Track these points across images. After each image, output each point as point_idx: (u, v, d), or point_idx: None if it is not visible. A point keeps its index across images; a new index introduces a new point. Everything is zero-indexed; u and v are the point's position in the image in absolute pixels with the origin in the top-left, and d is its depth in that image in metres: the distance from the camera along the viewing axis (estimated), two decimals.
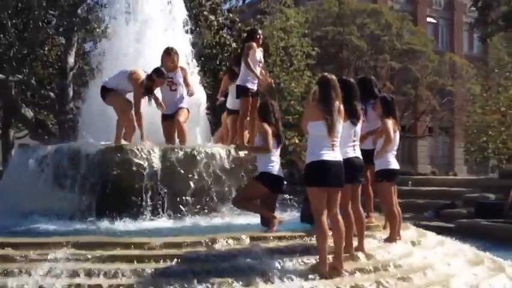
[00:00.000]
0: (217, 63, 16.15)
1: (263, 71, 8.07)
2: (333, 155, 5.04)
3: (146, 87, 7.33)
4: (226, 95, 8.58)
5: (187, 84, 7.90)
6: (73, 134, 10.94)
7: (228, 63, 8.78)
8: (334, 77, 5.19)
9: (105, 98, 7.46)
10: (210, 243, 5.24)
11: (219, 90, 8.82)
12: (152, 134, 8.26)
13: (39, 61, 18.04)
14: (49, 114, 22.96)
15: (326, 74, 5.32)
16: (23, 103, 16.27)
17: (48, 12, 14.98)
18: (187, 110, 7.91)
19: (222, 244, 5.27)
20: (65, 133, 14.59)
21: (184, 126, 7.73)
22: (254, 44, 7.74)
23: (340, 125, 5.13)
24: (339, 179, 5.08)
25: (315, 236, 5.27)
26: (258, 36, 8.02)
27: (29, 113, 16.06)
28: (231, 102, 8.33)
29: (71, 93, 16.07)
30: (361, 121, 5.66)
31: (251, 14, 21.62)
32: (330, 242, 5.14)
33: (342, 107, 5.14)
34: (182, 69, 7.95)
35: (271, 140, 6.07)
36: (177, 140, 7.78)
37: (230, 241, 5.32)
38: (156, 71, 7.40)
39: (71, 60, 15.85)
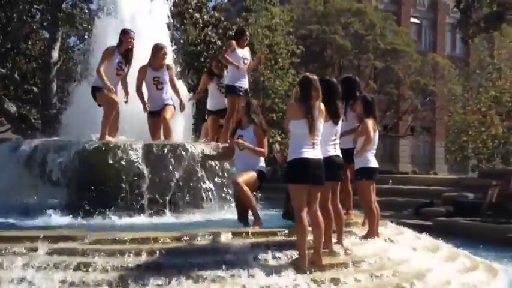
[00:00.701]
0: (202, 60, 16.20)
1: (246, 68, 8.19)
2: (314, 153, 5.18)
3: (122, 54, 7.42)
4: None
5: (173, 85, 7.97)
6: (57, 129, 10.92)
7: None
8: (315, 77, 5.32)
9: (96, 98, 7.50)
10: (191, 238, 5.35)
11: (198, 89, 8.93)
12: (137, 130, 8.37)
13: (22, 55, 17.91)
14: (31, 109, 22.85)
15: (308, 74, 5.47)
16: (5, 98, 16.15)
17: (32, 7, 14.87)
18: (174, 107, 7.99)
19: (204, 239, 5.37)
20: (48, 128, 14.53)
21: (170, 123, 7.81)
22: (233, 42, 8.06)
23: (321, 124, 5.26)
24: (319, 176, 5.21)
25: (295, 232, 5.40)
26: (244, 37, 8.21)
27: (12, 108, 15.97)
28: (210, 103, 8.51)
29: (55, 88, 15.99)
30: (340, 120, 5.81)
31: (236, 12, 21.69)
32: (310, 237, 5.28)
33: (322, 106, 5.28)
34: (169, 68, 8.00)
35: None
36: (162, 137, 7.85)
37: (212, 236, 5.42)
38: (121, 32, 7.53)
39: (54, 54, 15.77)
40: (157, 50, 7.79)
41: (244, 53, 8.22)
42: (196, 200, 7.51)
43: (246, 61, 8.20)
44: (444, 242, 7.78)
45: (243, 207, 6.41)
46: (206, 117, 8.73)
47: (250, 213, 6.33)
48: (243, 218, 6.43)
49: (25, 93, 17.82)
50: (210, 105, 8.54)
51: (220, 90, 8.39)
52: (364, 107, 6.44)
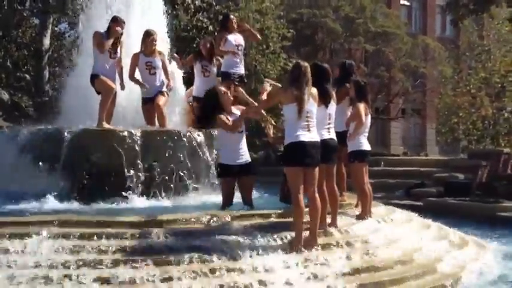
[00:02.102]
0: (194, 46, 16.23)
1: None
2: (310, 135, 5.36)
3: (110, 37, 7.50)
4: None
5: (165, 70, 8.05)
6: (50, 116, 10.97)
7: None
8: (306, 63, 5.49)
9: (94, 85, 7.61)
10: (192, 220, 5.50)
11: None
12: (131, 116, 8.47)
13: (13, 43, 17.85)
14: (23, 97, 22.78)
15: (299, 61, 5.66)
16: None
17: None
18: (167, 93, 8.08)
19: (204, 221, 5.53)
20: (41, 115, 14.56)
21: (164, 109, 7.90)
22: (223, 33, 8.20)
23: (314, 107, 5.43)
24: (315, 158, 5.39)
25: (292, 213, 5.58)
26: (229, 21, 8.31)
27: (5, 96, 15.96)
28: (195, 89, 8.49)
29: (47, 75, 15.97)
30: (334, 103, 5.97)
31: None
32: (306, 218, 5.46)
33: (315, 90, 5.45)
34: (161, 53, 8.08)
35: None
36: (157, 123, 7.96)
37: (211, 218, 5.58)
38: (111, 19, 7.64)
39: (46, 42, 15.74)
40: (147, 36, 7.88)
41: (237, 38, 8.29)
42: (192, 183, 7.65)
43: (240, 47, 8.27)
44: (434, 222, 7.99)
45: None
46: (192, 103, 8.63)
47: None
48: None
49: (17, 80, 17.78)
50: (194, 90, 8.54)
51: (203, 73, 8.37)
52: (356, 91, 6.60)
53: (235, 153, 6.30)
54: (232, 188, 6.41)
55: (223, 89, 6.55)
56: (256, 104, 6.54)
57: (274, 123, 7.25)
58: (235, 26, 8.34)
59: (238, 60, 8.25)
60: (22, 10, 15.60)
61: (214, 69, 8.48)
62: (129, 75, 7.92)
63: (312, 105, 5.40)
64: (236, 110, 6.46)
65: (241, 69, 8.34)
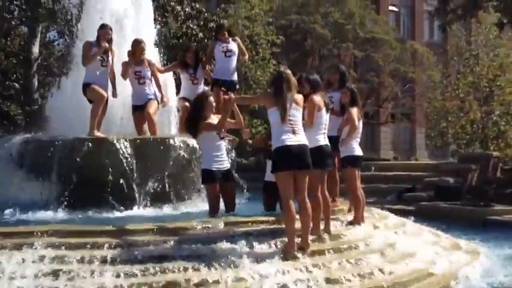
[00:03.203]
0: (182, 54, 16.24)
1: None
2: (296, 139, 5.40)
3: (99, 45, 7.55)
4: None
5: (156, 80, 8.04)
6: (40, 124, 10.91)
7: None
8: (288, 71, 5.67)
9: (86, 94, 7.59)
10: (185, 228, 5.49)
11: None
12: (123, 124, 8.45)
13: (2, 51, 17.75)
14: (11, 105, 22.64)
15: (281, 69, 5.87)
16: None
17: (12, 3, 14.73)
18: (157, 101, 8.06)
19: (198, 229, 5.52)
20: (31, 124, 14.47)
21: (153, 117, 7.87)
22: (212, 42, 8.38)
23: (298, 111, 5.50)
24: (304, 161, 5.41)
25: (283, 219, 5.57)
26: (222, 31, 8.40)
27: None
28: (184, 93, 8.40)
29: (36, 84, 15.89)
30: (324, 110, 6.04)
31: (216, 3, 21.68)
32: (298, 224, 5.47)
33: (299, 96, 5.59)
34: (150, 63, 8.07)
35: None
36: (147, 131, 7.93)
37: (206, 226, 5.57)
38: (99, 26, 7.70)
39: (35, 50, 15.67)
40: (135, 45, 7.88)
41: (227, 45, 8.30)
42: (184, 192, 7.65)
43: (228, 53, 8.27)
44: (427, 226, 8.02)
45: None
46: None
47: None
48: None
49: (6, 89, 17.68)
50: (182, 92, 8.45)
51: (192, 81, 8.32)
52: (351, 97, 6.68)
53: (216, 159, 6.34)
54: (218, 193, 6.42)
55: (209, 94, 6.58)
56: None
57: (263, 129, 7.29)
58: (226, 35, 8.35)
59: (226, 66, 8.24)
60: (11, 18, 15.50)
61: (202, 76, 8.44)
62: (121, 74, 7.90)
63: (295, 110, 5.48)
64: (216, 119, 6.45)
65: (229, 76, 8.30)
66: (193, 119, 6.37)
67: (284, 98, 5.41)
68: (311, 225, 5.59)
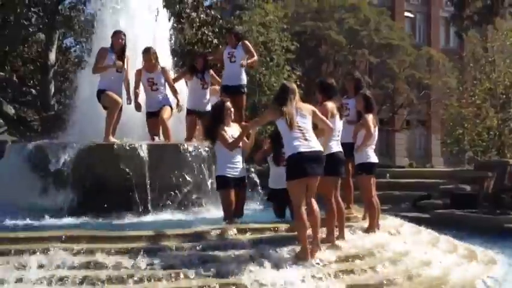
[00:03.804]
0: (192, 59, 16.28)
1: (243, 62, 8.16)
2: (308, 145, 5.40)
3: (116, 52, 7.64)
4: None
5: (170, 86, 8.05)
6: (56, 130, 11.00)
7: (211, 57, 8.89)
8: (293, 85, 5.78)
9: (100, 100, 7.64)
10: (200, 234, 5.49)
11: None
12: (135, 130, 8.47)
13: (19, 58, 17.98)
14: (28, 111, 22.89)
15: (285, 82, 6.06)
16: (4, 100, 16.20)
17: (29, 10, 14.92)
18: (171, 107, 8.07)
19: (211, 235, 5.51)
20: (47, 129, 14.61)
21: (167, 123, 7.88)
22: (223, 48, 8.43)
23: (306, 119, 5.51)
24: (317, 168, 5.41)
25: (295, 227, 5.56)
26: (228, 35, 8.52)
27: (11, 110, 16.04)
28: (189, 101, 8.32)
29: (53, 90, 16.06)
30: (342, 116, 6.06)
31: (231, 10, 21.77)
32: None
33: (307, 106, 5.66)
34: (163, 69, 8.09)
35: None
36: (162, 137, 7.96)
37: (218, 232, 5.57)
38: (112, 34, 7.79)
39: (52, 56, 15.83)
40: (145, 53, 7.92)
41: (234, 51, 8.24)
42: (198, 197, 7.65)
43: (233, 59, 8.23)
44: (442, 234, 7.93)
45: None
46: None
47: None
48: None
49: (23, 95, 17.89)
50: (188, 103, 8.36)
51: (202, 85, 8.26)
52: (365, 104, 6.64)
53: (231, 165, 6.37)
54: (232, 199, 6.44)
55: (229, 104, 6.61)
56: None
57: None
58: (233, 39, 8.32)
59: (231, 72, 8.24)
60: (28, 25, 15.69)
61: (210, 80, 8.38)
62: (133, 90, 7.96)
63: (303, 117, 5.51)
64: (234, 126, 6.53)
65: (234, 81, 8.27)
66: (211, 126, 6.41)
67: (288, 105, 5.47)
68: (319, 228, 5.57)
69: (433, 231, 8.01)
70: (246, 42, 8.53)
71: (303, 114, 5.53)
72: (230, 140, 6.29)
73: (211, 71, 8.46)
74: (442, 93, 29.44)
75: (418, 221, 8.76)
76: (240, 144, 6.38)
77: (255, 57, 8.50)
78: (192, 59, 8.55)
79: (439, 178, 15.61)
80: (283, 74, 21.14)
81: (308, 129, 5.49)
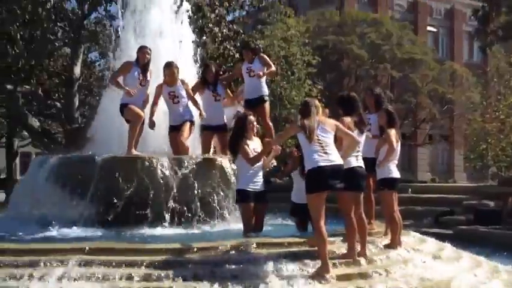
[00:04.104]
0: (221, 73, 16.40)
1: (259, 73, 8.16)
2: (328, 158, 5.40)
3: (141, 67, 7.74)
4: None
5: (191, 97, 8.09)
6: (80, 143, 11.13)
7: (230, 73, 8.90)
8: (315, 101, 5.84)
9: (123, 114, 7.76)
10: (221, 248, 5.50)
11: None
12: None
13: (45, 71, 18.34)
14: (52, 124, 23.27)
15: (308, 98, 6.16)
16: (29, 113, 16.52)
17: (56, 25, 15.25)
18: (192, 122, 8.14)
19: (233, 249, 5.53)
20: (71, 142, 14.82)
21: (185, 143, 7.85)
22: (240, 63, 8.39)
23: (327, 133, 5.52)
24: (338, 181, 5.41)
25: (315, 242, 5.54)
26: (244, 51, 8.53)
27: (35, 123, 16.32)
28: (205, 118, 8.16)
29: (77, 103, 16.33)
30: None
31: (252, 25, 21.92)
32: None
33: (330, 121, 5.70)
34: (183, 82, 8.16)
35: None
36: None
37: (238, 246, 5.58)
38: (137, 49, 7.90)
39: (77, 70, 16.11)
40: (166, 67, 7.99)
41: (251, 65, 8.27)
42: (218, 211, 7.66)
43: (252, 73, 8.29)
44: (465, 251, 7.82)
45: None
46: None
47: None
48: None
49: (48, 108, 18.21)
50: (203, 119, 8.24)
51: (215, 97, 8.25)
52: (387, 119, 6.62)
53: (252, 179, 6.41)
54: (252, 213, 6.48)
55: (252, 118, 6.67)
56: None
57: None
58: (249, 54, 8.37)
59: (252, 85, 8.25)
60: (54, 40, 16.02)
61: (223, 93, 8.39)
62: (152, 104, 8.02)
63: (324, 132, 5.51)
64: (256, 140, 6.58)
65: (255, 94, 8.26)
66: (234, 140, 6.46)
67: (309, 119, 5.51)
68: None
69: (456, 248, 7.89)
70: (262, 55, 8.61)
71: (325, 129, 5.54)
72: (252, 155, 6.32)
73: (238, 91, 8.51)
74: (466, 108, 29.18)
75: (441, 237, 8.64)
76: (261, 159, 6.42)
77: (273, 68, 8.55)
78: (204, 71, 8.53)
79: (462, 193, 15.41)
80: (304, 88, 21.18)
81: (329, 144, 5.50)
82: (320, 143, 5.44)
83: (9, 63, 15.83)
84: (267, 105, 8.40)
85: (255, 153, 6.40)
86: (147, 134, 8.21)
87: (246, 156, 6.34)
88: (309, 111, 5.58)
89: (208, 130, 8.27)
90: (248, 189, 6.39)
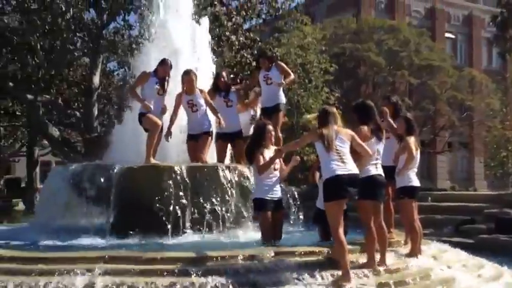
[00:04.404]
0: (238, 81, 16.47)
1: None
2: (345, 167, 5.41)
3: (159, 79, 7.78)
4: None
5: (209, 105, 8.10)
6: (99, 151, 11.22)
7: (248, 81, 8.86)
8: (333, 109, 5.84)
9: (141, 123, 7.81)
10: (239, 257, 5.49)
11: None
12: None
13: (65, 81, 18.57)
14: (72, 133, 23.51)
15: (326, 106, 6.13)
16: (49, 122, 16.72)
17: (75, 35, 15.45)
18: (210, 133, 8.13)
19: (252, 257, 5.51)
20: (90, 151, 14.96)
21: (204, 158, 7.89)
22: (257, 72, 8.42)
23: (344, 143, 5.53)
24: (354, 190, 5.42)
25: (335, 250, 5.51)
26: (263, 60, 8.46)
27: (56, 132, 16.50)
28: (216, 124, 8.13)
29: (96, 112, 16.49)
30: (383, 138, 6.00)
31: (269, 33, 21.97)
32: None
33: (345, 130, 5.67)
34: (202, 91, 8.18)
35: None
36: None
37: (259, 255, 5.56)
38: (160, 61, 7.90)
39: (96, 80, 16.28)
40: (185, 75, 8.03)
41: (268, 73, 8.28)
42: (236, 219, 7.66)
43: (269, 81, 8.27)
44: (487, 260, 7.70)
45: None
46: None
47: None
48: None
49: (67, 117, 18.42)
50: (215, 125, 8.25)
51: (226, 103, 8.26)
52: (406, 126, 6.56)
53: (269, 188, 6.44)
54: (270, 221, 6.47)
55: (270, 127, 6.69)
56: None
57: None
58: (265, 62, 8.36)
59: (268, 93, 8.24)
60: (74, 50, 16.23)
61: (236, 99, 8.38)
62: (172, 114, 8.06)
63: (341, 141, 5.52)
64: (273, 148, 6.61)
65: (271, 102, 8.26)
66: (251, 148, 6.49)
67: (327, 128, 5.52)
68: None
69: (477, 257, 7.78)
70: (279, 62, 8.62)
71: (342, 138, 5.56)
72: (262, 163, 6.34)
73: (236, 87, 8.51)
74: (485, 115, 28.87)
75: (462, 246, 8.52)
76: (277, 167, 6.40)
77: (292, 76, 8.58)
78: (215, 78, 8.55)
79: (482, 202, 15.17)
80: (321, 96, 21.14)
81: (345, 153, 5.51)
82: (338, 153, 5.45)
83: (29, 73, 16.06)
84: (281, 114, 8.37)
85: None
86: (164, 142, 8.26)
87: (257, 163, 6.37)
88: (327, 120, 5.59)
89: (222, 137, 8.27)
90: (266, 198, 6.39)
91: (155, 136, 7.72)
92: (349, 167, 5.43)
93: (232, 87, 8.55)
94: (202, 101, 8.05)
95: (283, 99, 8.44)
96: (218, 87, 8.35)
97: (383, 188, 5.93)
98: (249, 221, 7.58)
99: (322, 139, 5.49)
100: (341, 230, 5.34)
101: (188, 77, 7.99)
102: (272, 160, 6.38)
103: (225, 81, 8.36)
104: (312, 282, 5.25)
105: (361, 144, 5.68)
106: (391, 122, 6.89)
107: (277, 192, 6.52)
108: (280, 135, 8.28)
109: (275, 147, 6.73)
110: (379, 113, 6.94)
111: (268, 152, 6.51)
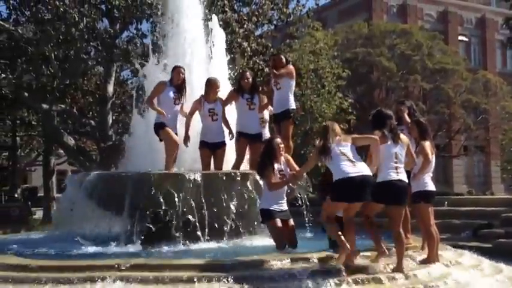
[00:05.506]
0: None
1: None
2: (356, 169, 5.54)
3: (174, 87, 7.83)
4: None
5: (223, 116, 8.09)
6: (114, 160, 11.27)
7: (261, 88, 8.73)
8: (334, 124, 6.06)
9: (158, 134, 7.82)
10: (256, 263, 5.49)
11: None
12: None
13: (79, 90, 18.70)
14: (87, 141, 23.67)
15: (326, 123, 6.35)
16: (65, 131, 16.84)
17: (89, 44, 15.57)
18: (225, 144, 8.10)
19: (269, 265, 5.50)
20: (105, 159, 15.04)
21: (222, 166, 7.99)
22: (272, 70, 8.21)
23: (344, 146, 5.71)
24: (365, 194, 5.55)
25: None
26: (271, 63, 8.50)
27: (71, 141, 16.61)
28: (238, 123, 8.16)
29: (110, 121, 16.57)
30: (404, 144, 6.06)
31: (281, 39, 21.97)
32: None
33: (343, 136, 5.91)
34: (221, 99, 8.11)
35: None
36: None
37: (274, 262, 5.54)
38: (172, 68, 7.96)
39: (110, 89, 16.37)
40: (212, 84, 7.99)
41: (277, 77, 8.12)
42: (249, 226, 7.65)
43: (278, 86, 8.15)
44: (505, 265, 7.60)
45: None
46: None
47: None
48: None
49: (82, 126, 18.53)
50: (237, 126, 8.18)
51: (249, 106, 8.09)
52: (418, 130, 6.52)
53: (276, 201, 6.57)
54: (280, 228, 6.51)
55: (279, 140, 6.76)
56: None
57: None
58: (276, 64, 8.17)
59: (277, 99, 8.11)
60: (87, 59, 16.34)
61: (258, 103, 8.19)
62: (186, 119, 8.03)
63: (346, 147, 5.73)
64: (282, 158, 6.67)
65: (281, 107, 8.10)
66: (263, 164, 6.56)
67: (325, 139, 5.77)
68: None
69: (495, 262, 7.68)
70: (288, 66, 8.54)
71: (341, 143, 5.76)
72: (274, 180, 6.44)
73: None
74: (501, 118, 28.59)
75: (479, 251, 8.43)
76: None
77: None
78: (240, 78, 8.34)
79: (500, 206, 14.99)
80: (334, 101, 21.05)
81: (351, 155, 5.66)
82: (343, 154, 5.62)
83: (44, 83, 16.19)
84: (291, 122, 8.13)
85: (279, 176, 6.51)
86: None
87: (268, 181, 6.50)
88: (327, 135, 5.81)
89: (244, 138, 8.10)
90: (271, 209, 6.52)
91: (173, 153, 7.74)
92: (361, 169, 5.55)
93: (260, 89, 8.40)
94: (221, 109, 8.04)
95: (292, 104, 8.22)
96: (242, 88, 8.12)
97: (403, 194, 5.92)
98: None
99: (318, 151, 5.79)
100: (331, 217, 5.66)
101: (216, 85, 7.98)
102: (286, 182, 6.56)
103: (250, 83, 8.15)
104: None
105: (365, 136, 5.98)
106: (407, 119, 6.91)
107: (283, 205, 6.63)
108: (291, 144, 8.16)
109: (285, 155, 6.74)
110: (395, 113, 6.91)
111: (279, 164, 6.58)
